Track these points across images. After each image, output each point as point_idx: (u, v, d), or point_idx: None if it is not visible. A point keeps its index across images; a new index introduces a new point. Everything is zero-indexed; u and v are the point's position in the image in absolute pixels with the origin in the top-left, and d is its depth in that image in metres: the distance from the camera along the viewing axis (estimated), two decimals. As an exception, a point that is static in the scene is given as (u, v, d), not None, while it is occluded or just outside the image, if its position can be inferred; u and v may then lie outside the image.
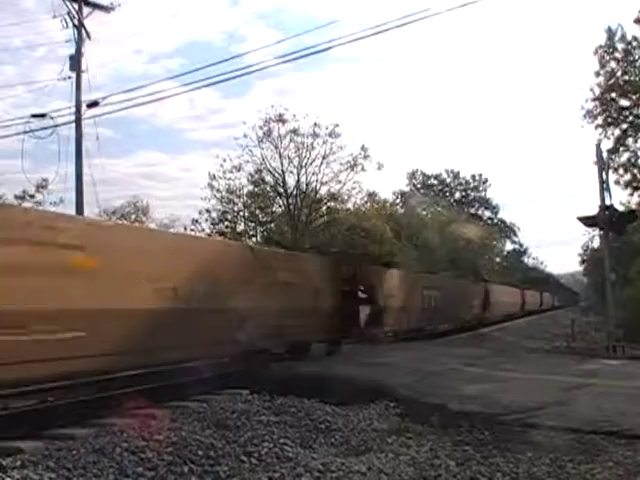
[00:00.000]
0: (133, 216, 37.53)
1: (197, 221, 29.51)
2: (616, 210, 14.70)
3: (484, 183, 62.06)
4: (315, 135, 28.17)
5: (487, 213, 61.89)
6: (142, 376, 7.51)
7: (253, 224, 30.54)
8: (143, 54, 75.57)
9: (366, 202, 31.39)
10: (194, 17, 67.49)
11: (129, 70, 60.78)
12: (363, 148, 29.23)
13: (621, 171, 23.67)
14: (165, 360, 7.33)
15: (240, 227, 30.00)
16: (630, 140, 24.01)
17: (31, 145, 45.68)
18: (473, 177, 61.84)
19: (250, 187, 29.64)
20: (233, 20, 74.68)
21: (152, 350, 6.79)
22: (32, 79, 71.38)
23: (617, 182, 22.60)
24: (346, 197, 29.96)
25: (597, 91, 24.28)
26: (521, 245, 64.48)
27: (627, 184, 23.70)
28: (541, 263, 67.64)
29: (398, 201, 42.38)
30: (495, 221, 60.72)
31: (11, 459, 4.06)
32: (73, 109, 19.15)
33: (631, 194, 23.86)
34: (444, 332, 18.43)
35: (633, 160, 23.99)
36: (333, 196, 29.50)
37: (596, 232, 23.93)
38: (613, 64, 23.86)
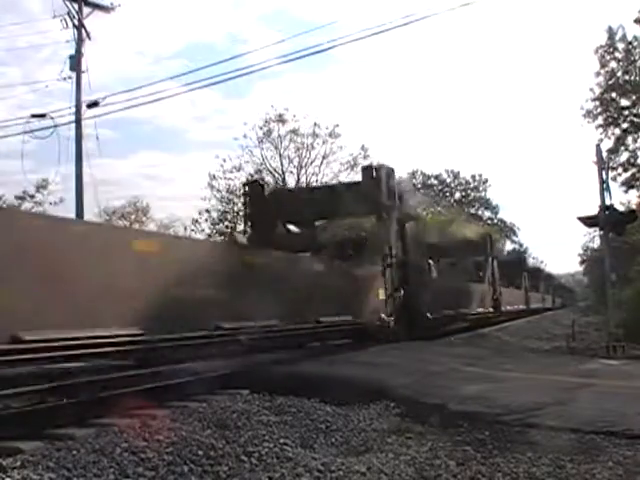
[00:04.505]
0: (133, 216, 37.53)
1: (197, 221, 29.54)
2: (616, 210, 14.72)
3: (484, 183, 62.26)
4: (315, 135, 28.25)
5: (487, 213, 62.09)
6: (142, 376, 7.51)
7: (253, 224, 30.53)
8: (146, 55, 75.66)
9: (366, 202, 31.39)
10: (197, 19, 67.67)
11: (132, 71, 60.90)
12: (363, 148, 29.32)
13: (620, 170, 23.74)
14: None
15: (240, 227, 30.05)
16: (630, 139, 24.07)
17: (33, 146, 45.72)
18: (473, 177, 62.04)
19: (250, 187, 29.62)
20: (236, 22, 74.82)
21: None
22: (35, 80, 71.42)
23: (614, 179, 22.66)
24: (346, 197, 29.97)
25: (597, 91, 24.37)
26: (521, 245, 64.51)
27: (624, 182, 23.77)
28: (541, 262, 67.61)
29: (398, 201, 42.35)
30: (495, 221, 60.80)
31: (11, 459, 4.05)
32: (73, 109, 19.20)
33: (626, 191, 23.96)
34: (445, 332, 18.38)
35: (632, 160, 24.05)
36: (333, 196, 29.50)
37: (596, 232, 23.98)
38: (613, 64, 23.94)
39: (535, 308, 36.99)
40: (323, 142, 28.60)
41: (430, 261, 19.08)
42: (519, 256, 43.41)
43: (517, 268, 31.05)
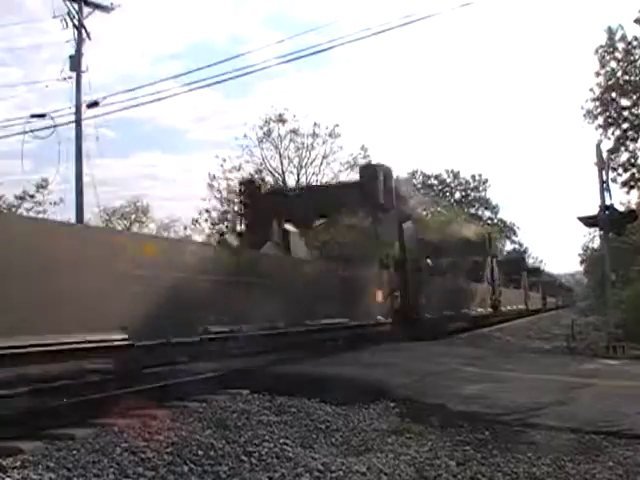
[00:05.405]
0: (133, 216, 37.53)
1: (197, 221, 29.48)
2: (616, 210, 14.70)
3: (484, 183, 62.27)
4: (315, 135, 28.19)
5: (487, 213, 62.08)
6: (142, 376, 7.52)
7: (253, 224, 30.48)
8: (147, 55, 75.58)
9: (366, 202, 31.38)
10: (198, 19, 67.63)
11: (132, 71, 60.90)
12: (363, 148, 29.30)
13: (620, 170, 23.73)
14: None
15: (240, 227, 30.01)
16: (630, 140, 24.07)
17: (33, 146, 45.82)
18: (473, 177, 62.05)
19: (250, 187, 29.59)
20: (237, 22, 74.83)
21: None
22: (36, 80, 71.37)
23: (614, 180, 22.65)
24: (346, 197, 29.96)
25: (597, 91, 24.34)
26: (521, 245, 64.53)
27: (624, 183, 23.77)
28: (541, 262, 67.60)
29: (398, 201, 42.37)
30: (495, 221, 60.79)
31: (11, 459, 4.05)
32: (73, 109, 19.19)
33: (627, 192, 23.98)
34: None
35: (633, 160, 24.05)
36: (333, 196, 29.50)
37: (596, 232, 23.99)
38: (613, 64, 23.91)
39: (515, 311, 28.35)
40: (323, 142, 28.60)
41: (428, 260, 18.75)
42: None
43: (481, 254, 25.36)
